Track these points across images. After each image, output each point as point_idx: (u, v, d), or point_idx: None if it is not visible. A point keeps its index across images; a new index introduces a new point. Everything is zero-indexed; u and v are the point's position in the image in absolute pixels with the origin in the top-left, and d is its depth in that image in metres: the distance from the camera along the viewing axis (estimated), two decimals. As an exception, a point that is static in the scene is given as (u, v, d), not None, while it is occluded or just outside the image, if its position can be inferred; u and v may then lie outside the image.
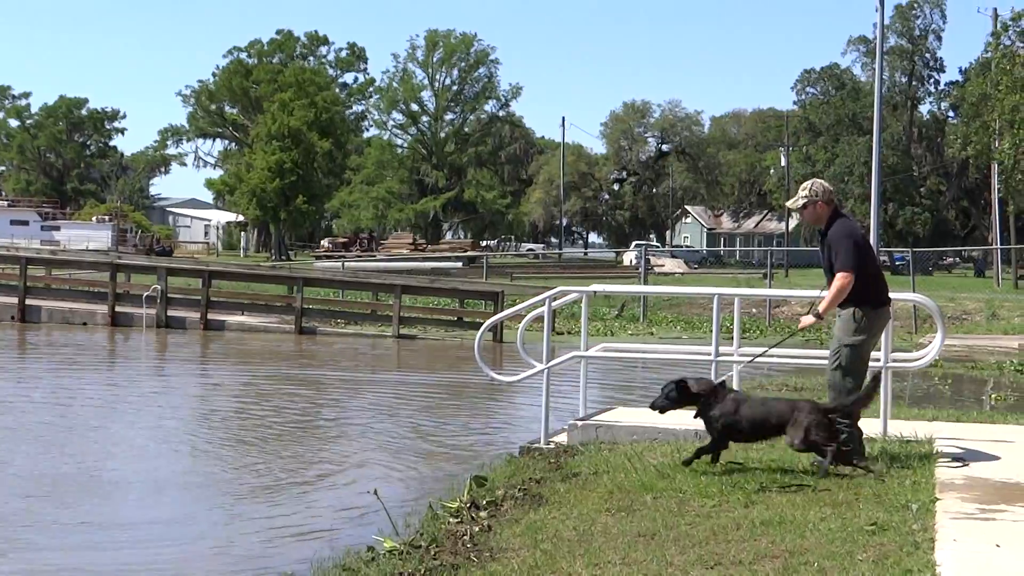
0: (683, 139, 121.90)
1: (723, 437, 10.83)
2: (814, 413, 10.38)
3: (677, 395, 11.02)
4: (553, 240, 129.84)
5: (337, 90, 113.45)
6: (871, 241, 26.68)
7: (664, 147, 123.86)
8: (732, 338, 14.15)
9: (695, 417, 11.01)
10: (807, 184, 11.17)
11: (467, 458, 14.27)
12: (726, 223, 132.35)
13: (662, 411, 11.27)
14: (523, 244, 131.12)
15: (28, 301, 36.74)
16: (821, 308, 10.81)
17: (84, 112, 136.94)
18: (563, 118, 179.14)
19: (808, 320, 11.11)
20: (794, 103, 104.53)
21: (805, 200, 10.94)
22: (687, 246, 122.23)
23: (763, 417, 10.65)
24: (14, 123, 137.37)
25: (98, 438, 15.91)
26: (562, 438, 13.66)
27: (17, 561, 9.93)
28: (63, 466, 13.88)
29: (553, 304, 14.15)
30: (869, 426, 11.30)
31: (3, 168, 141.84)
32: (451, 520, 10.15)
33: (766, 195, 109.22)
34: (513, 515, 10.05)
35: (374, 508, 10.52)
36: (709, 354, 13.38)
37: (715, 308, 13.47)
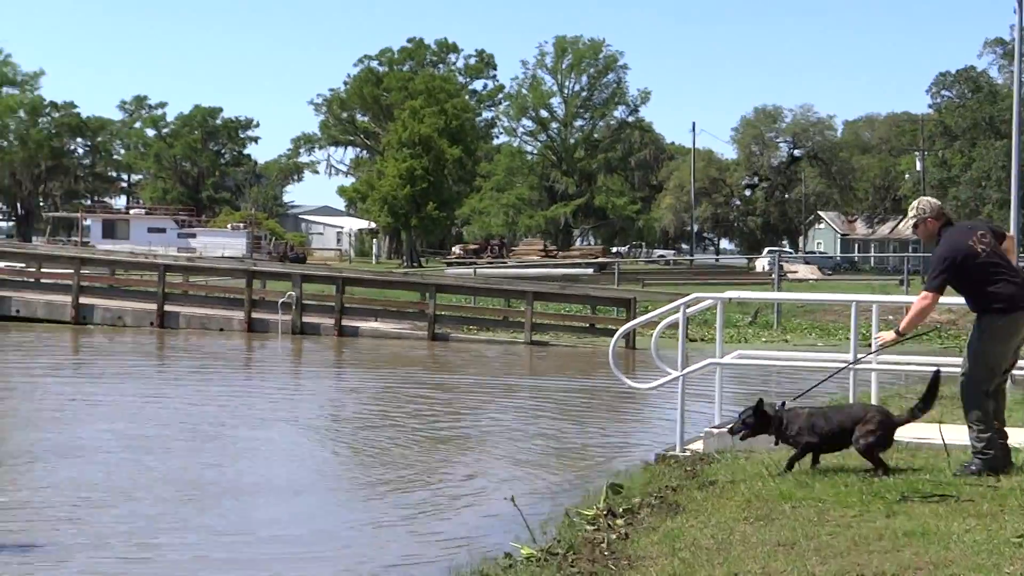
0: (815, 144, 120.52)
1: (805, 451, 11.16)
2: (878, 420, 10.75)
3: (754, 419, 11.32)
4: (684, 246, 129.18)
5: (467, 97, 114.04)
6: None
7: (796, 152, 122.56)
8: (870, 345, 13.97)
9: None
10: (914, 203, 11.20)
11: (601, 465, 14.28)
12: (860, 229, 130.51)
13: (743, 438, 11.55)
14: (654, 250, 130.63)
15: (167, 307, 37.47)
16: (902, 326, 10.92)
17: (219, 121, 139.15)
18: (693, 123, 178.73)
19: (888, 336, 11.19)
20: (929, 106, 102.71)
21: (915, 219, 10.97)
22: (820, 252, 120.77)
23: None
24: (151, 132, 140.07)
25: (236, 443, 16.18)
26: (697, 445, 13.60)
27: (165, 565, 10.15)
28: (204, 471, 14.15)
29: (687, 311, 14.10)
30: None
31: (140, 177, 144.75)
32: (588, 527, 10.16)
33: (900, 200, 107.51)
34: (650, 523, 10.03)
35: (510, 514, 10.56)
36: (846, 362, 13.24)
37: (853, 315, 13.34)
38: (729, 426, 12.13)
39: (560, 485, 13.29)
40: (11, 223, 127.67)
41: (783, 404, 11.63)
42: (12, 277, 40.43)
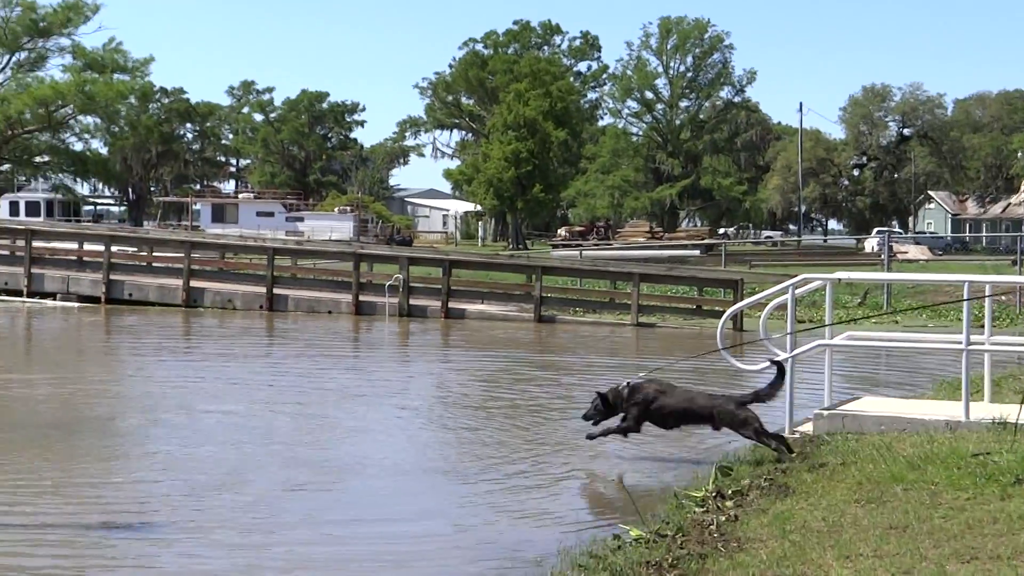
0: (925, 123, 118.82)
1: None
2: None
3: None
4: (791, 227, 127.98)
5: (571, 79, 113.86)
6: None
7: (905, 131, 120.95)
8: (983, 327, 13.79)
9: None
10: None
11: (709, 447, 14.22)
12: (971, 208, 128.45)
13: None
14: (761, 231, 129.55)
15: (276, 290, 37.92)
16: None
17: (325, 105, 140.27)
18: (800, 103, 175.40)
19: None
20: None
21: None
22: (931, 232, 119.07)
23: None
24: (259, 117, 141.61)
25: (344, 424, 16.34)
26: (807, 427, 13.52)
27: (278, 546, 10.29)
28: (313, 451, 14.31)
29: (796, 292, 14.01)
30: None
31: (248, 161, 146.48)
32: (697, 509, 10.16)
33: (1013, 179, 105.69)
34: (759, 505, 10.00)
35: (618, 496, 10.59)
36: (959, 343, 13.08)
37: (965, 295, 13.17)
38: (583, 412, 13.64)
39: (667, 467, 13.26)
40: (123, 208, 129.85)
41: (627, 384, 13.33)
42: (125, 261, 41.13)
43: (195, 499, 11.76)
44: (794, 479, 10.83)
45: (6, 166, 72.18)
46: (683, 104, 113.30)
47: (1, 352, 27.56)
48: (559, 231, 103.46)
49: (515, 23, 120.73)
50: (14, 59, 68.15)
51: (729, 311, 15.66)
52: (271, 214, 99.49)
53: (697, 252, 71.78)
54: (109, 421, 16.29)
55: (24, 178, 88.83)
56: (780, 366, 12.81)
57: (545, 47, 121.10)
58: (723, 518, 9.61)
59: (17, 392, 19.02)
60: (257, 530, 10.70)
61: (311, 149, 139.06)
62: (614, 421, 13.36)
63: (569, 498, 12.09)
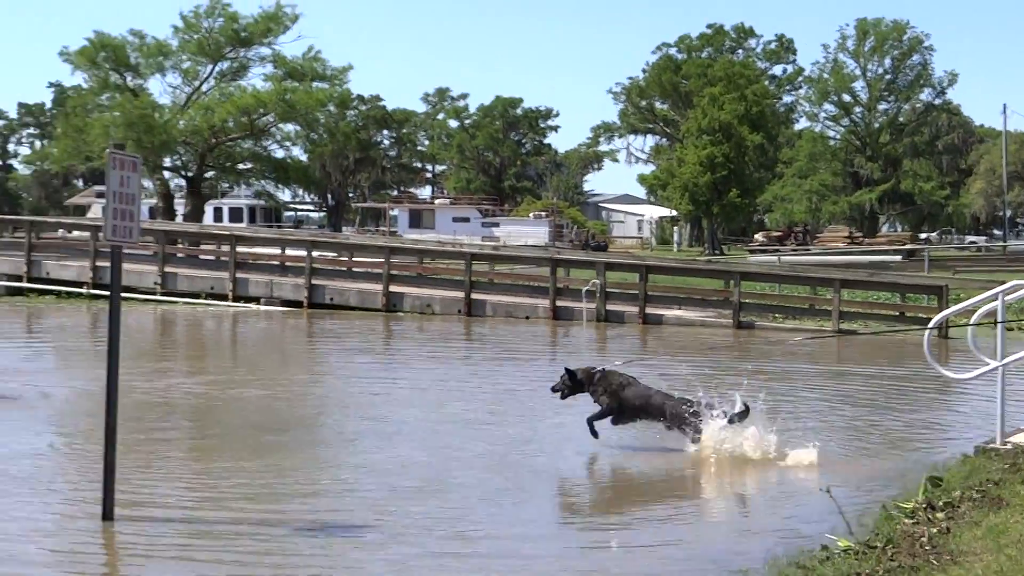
0: None
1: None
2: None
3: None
4: (996, 232, 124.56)
5: (766, 82, 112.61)
6: None
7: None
8: None
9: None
10: None
11: (917, 457, 13.94)
12: None
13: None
14: (964, 236, 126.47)
15: (473, 295, 38.26)
16: None
17: (519, 111, 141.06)
18: (1004, 105, 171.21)
19: None
20: None
21: None
22: None
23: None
24: (454, 124, 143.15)
25: (542, 429, 16.37)
26: (1020, 438, 13.16)
27: (477, 557, 10.37)
28: (519, 458, 14.41)
29: (1006, 298, 13.65)
30: None
31: (444, 167, 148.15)
32: (906, 521, 9.96)
33: None
34: (972, 517, 9.77)
35: (826, 506, 10.43)
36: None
37: None
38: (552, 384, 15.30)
39: (875, 477, 13.03)
40: (322, 214, 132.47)
41: (601, 369, 14.94)
42: (326, 266, 41.93)
43: (400, 503, 11.94)
44: (1007, 491, 10.55)
45: (210, 173, 74.03)
46: (882, 107, 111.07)
47: (209, 355, 28.37)
48: (756, 236, 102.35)
49: (708, 27, 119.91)
50: (217, 69, 69.89)
51: (936, 318, 15.28)
52: (467, 219, 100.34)
53: (898, 258, 70.40)
54: (313, 423, 16.64)
55: (227, 185, 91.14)
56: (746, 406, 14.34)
57: (739, 50, 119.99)
58: (934, 530, 9.42)
59: (224, 394, 19.53)
60: (460, 537, 10.81)
61: (505, 155, 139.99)
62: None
63: (776, 507, 11.96)
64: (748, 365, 26.13)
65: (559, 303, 37.38)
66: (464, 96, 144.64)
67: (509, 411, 17.95)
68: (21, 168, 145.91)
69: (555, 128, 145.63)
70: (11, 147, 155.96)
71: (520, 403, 18.86)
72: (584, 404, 15.25)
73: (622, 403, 14.71)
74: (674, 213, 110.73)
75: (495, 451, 14.66)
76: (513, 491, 12.55)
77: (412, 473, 13.32)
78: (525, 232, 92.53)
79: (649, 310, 36.38)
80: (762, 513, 11.69)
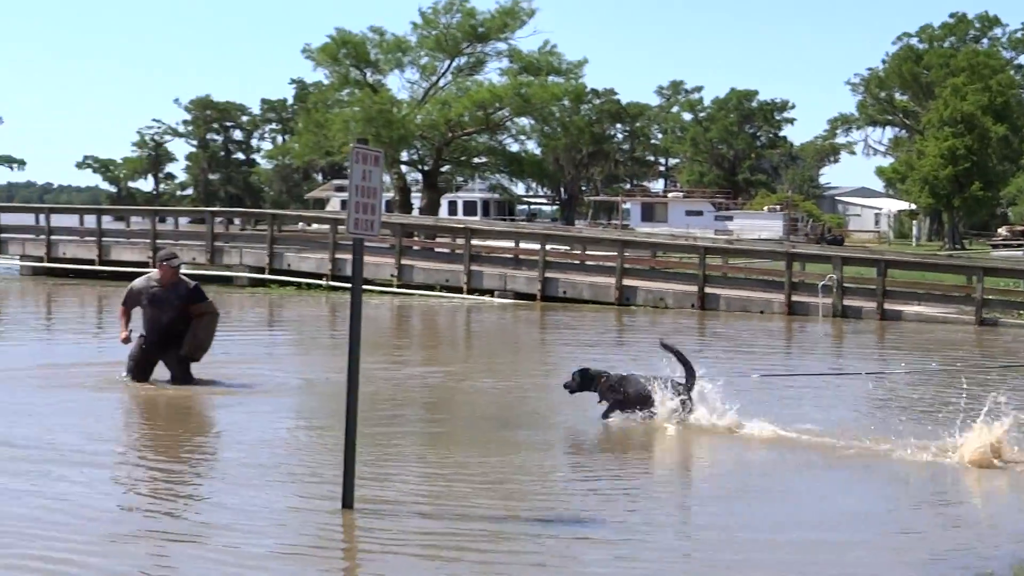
0: None
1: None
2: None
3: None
4: None
5: (1012, 72, 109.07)
6: None
7: None
8: None
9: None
10: None
11: None
12: None
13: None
14: None
15: (707, 289, 37.95)
16: None
17: (754, 104, 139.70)
18: None
19: None
20: None
21: None
22: None
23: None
24: (687, 117, 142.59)
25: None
26: None
27: (702, 550, 10.24)
28: (755, 453, 14.22)
29: None
30: None
31: (677, 160, 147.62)
32: None
33: None
34: None
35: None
36: None
37: None
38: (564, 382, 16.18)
39: None
40: (555, 207, 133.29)
41: (621, 376, 16.02)
42: (558, 259, 42.09)
43: (628, 498, 11.87)
44: None
45: (446, 167, 75.13)
46: None
47: (443, 346, 28.75)
48: (999, 230, 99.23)
49: (951, 16, 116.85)
50: (454, 64, 70.85)
51: None
52: (700, 213, 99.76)
53: None
54: (543, 416, 16.65)
55: (462, 179, 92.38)
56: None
57: (983, 40, 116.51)
58: None
59: (459, 386, 19.73)
60: (689, 536, 10.68)
61: (740, 148, 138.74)
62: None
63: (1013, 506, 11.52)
64: (995, 362, 25.29)
65: (794, 298, 36.79)
66: (699, 89, 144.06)
67: (749, 404, 17.67)
68: (263, 162, 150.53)
69: (791, 120, 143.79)
70: (254, 142, 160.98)
71: (752, 397, 18.56)
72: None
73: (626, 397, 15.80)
74: (913, 207, 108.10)
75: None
76: (750, 487, 12.35)
77: (643, 467, 13.22)
78: (759, 226, 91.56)
79: (887, 306, 35.53)
80: (1004, 510, 11.28)
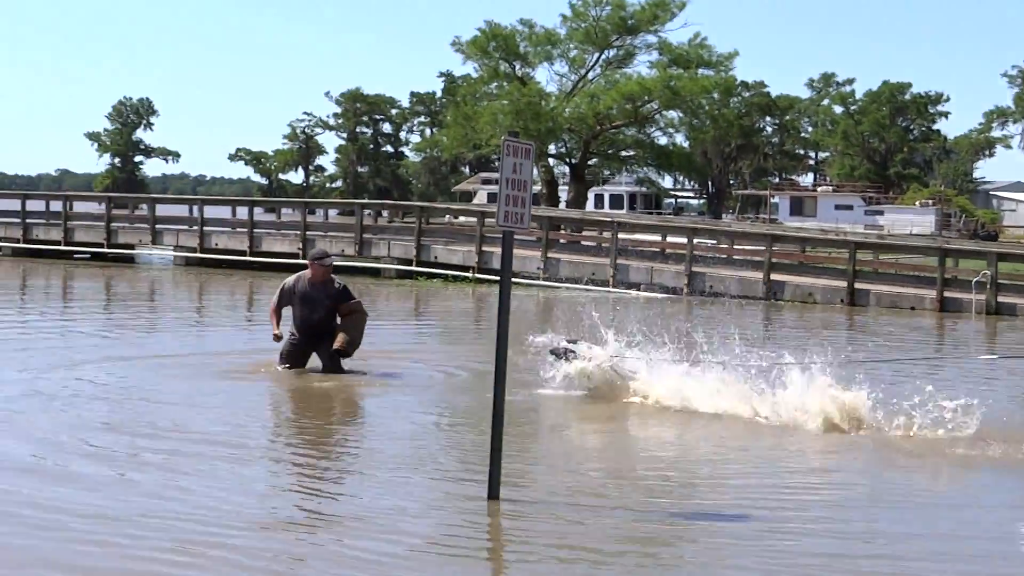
0: None
1: None
2: None
3: None
4: None
5: None
6: None
7: None
8: None
9: None
10: None
11: None
12: None
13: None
14: None
15: (856, 285, 37.46)
16: None
17: (907, 96, 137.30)
18: None
19: None
20: None
21: None
22: None
23: None
24: (838, 109, 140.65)
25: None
26: None
27: (846, 558, 10.13)
28: (915, 460, 14.03)
29: None
30: None
31: (827, 154, 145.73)
32: None
33: None
34: None
35: None
36: None
37: None
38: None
39: None
40: (701, 201, 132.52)
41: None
42: (705, 254, 41.87)
43: (784, 493, 11.81)
44: None
45: (594, 160, 75.00)
46: None
47: (587, 339, 28.64)
48: None
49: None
50: (603, 57, 70.66)
51: None
52: (850, 207, 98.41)
53: None
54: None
55: (608, 172, 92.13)
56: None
57: None
58: None
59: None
60: (845, 536, 10.58)
61: (892, 141, 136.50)
62: None
63: None
64: None
65: (947, 294, 36.16)
66: (850, 81, 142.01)
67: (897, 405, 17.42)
68: (411, 155, 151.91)
69: (945, 114, 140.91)
70: (403, 135, 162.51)
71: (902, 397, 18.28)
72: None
73: None
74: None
75: (889, 451, 14.27)
76: (913, 496, 12.19)
77: (793, 463, 13.13)
78: (910, 220, 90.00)
79: (1043, 303, 34.78)
80: None
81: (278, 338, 18.34)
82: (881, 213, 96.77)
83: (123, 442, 13.09)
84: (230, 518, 10.29)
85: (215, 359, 19.91)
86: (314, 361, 18.57)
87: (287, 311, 18.61)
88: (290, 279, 18.65)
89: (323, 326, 18.32)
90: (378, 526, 10.18)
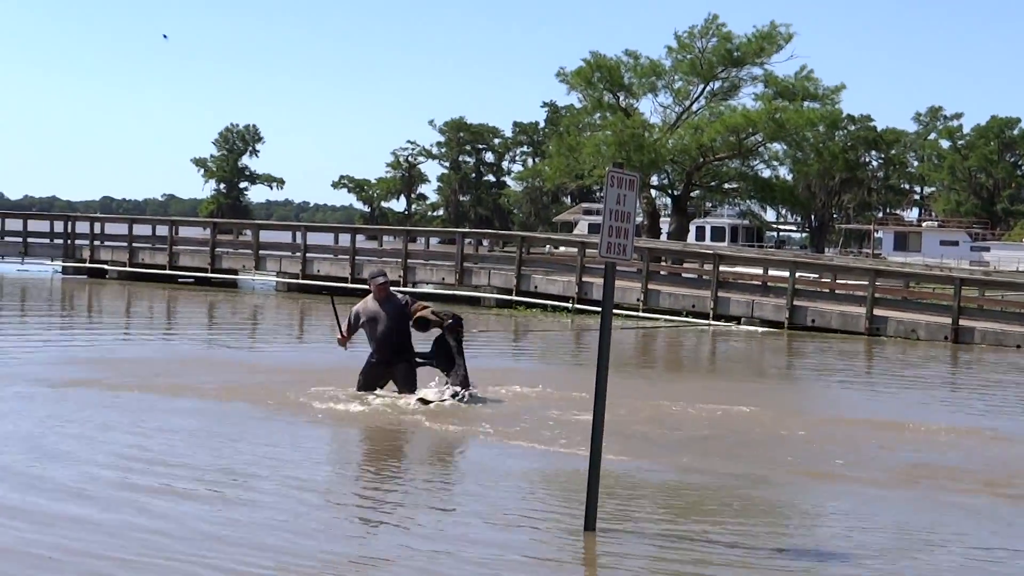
0: None
1: None
2: None
3: None
4: None
5: None
6: None
7: None
8: None
9: None
10: None
11: None
12: None
13: None
14: None
15: (961, 322, 36.94)
16: None
17: (1016, 132, 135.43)
18: None
19: None
20: None
21: None
22: None
23: None
24: (945, 144, 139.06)
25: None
26: None
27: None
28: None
29: None
30: None
31: (933, 189, 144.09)
32: None
33: None
34: None
35: None
36: None
37: None
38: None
39: None
40: (804, 234, 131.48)
41: None
42: (808, 287, 41.54)
43: (881, 533, 11.71)
44: None
45: (696, 192, 74.83)
46: None
47: (686, 371, 28.58)
48: None
49: None
50: (708, 88, 70.49)
51: None
52: (955, 243, 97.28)
53: None
54: (797, 448, 16.46)
55: (711, 204, 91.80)
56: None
57: None
58: None
59: (700, 411, 19.54)
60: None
61: (1000, 176, 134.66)
62: None
63: None
64: None
65: (1054, 332, 35.57)
66: (958, 116, 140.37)
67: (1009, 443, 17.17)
68: (513, 184, 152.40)
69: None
70: (505, 164, 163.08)
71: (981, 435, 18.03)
72: None
73: None
74: None
75: (993, 486, 14.08)
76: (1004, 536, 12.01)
77: (892, 512, 12.99)
78: (1017, 257, 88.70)
79: None
80: None
81: (343, 342, 19.29)
82: (987, 249, 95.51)
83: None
84: (299, 551, 10.43)
85: (314, 375, 19.98)
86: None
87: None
88: (357, 305, 19.23)
89: (398, 342, 18.85)
90: (471, 551, 10.26)
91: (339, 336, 19.20)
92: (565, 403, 18.89)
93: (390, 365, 18.90)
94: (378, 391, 18.69)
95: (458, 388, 18.48)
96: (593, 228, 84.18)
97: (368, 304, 18.96)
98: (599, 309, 11.09)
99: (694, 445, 16.14)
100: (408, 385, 18.78)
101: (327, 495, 12.40)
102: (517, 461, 14.51)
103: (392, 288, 19.62)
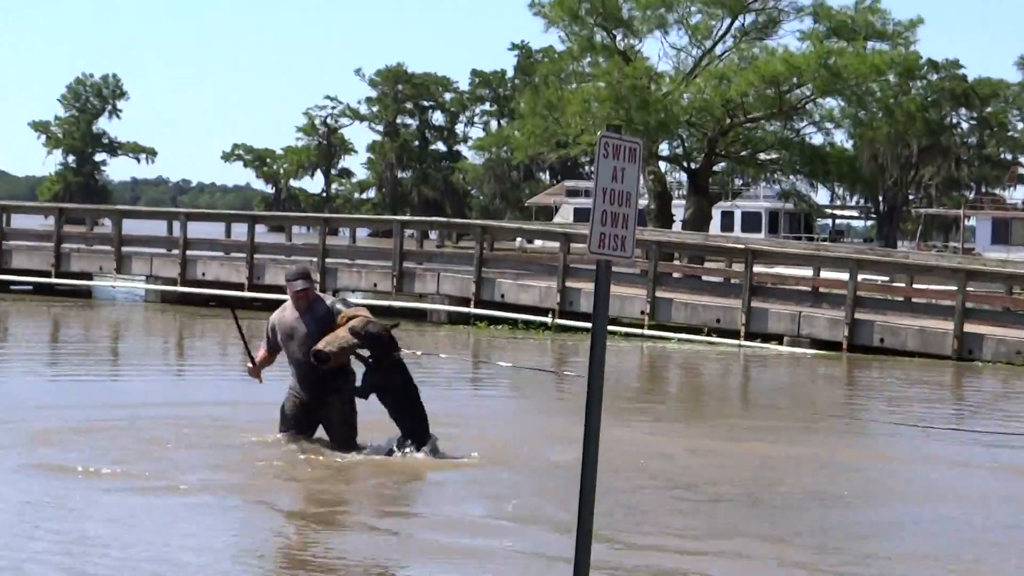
0: None
1: None
2: None
3: None
4: None
5: None
6: None
7: None
8: None
9: None
10: None
11: None
12: None
13: None
14: None
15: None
16: None
17: None
18: None
19: None
20: None
21: None
22: None
23: None
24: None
25: None
26: None
27: None
28: None
29: None
30: None
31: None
32: None
33: None
34: None
35: None
36: None
37: None
38: None
39: None
40: (870, 222, 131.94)
41: None
42: (875, 295, 41.53)
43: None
44: None
45: (721, 165, 74.88)
46: None
47: (707, 409, 28.55)
48: None
49: None
50: (737, 24, 70.26)
51: None
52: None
53: None
54: (857, 499, 16.63)
55: (743, 181, 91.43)
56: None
57: None
58: None
59: (722, 458, 19.63)
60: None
61: None
62: None
63: None
64: None
65: None
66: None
67: None
68: (471, 156, 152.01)
69: None
70: (460, 128, 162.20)
71: None
72: None
73: None
74: None
75: None
76: None
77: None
78: None
79: None
80: None
81: (254, 372, 18.49)
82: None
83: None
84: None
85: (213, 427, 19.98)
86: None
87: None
88: (273, 315, 18.45)
89: (322, 372, 17.71)
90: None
91: (249, 364, 18.40)
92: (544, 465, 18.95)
93: (318, 406, 17.99)
94: (303, 442, 18.05)
95: (411, 446, 17.77)
96: (580, 214, 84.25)
97: (285, 314, 18.02)
98: (589, 325, 11.03)
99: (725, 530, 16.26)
100: (343, 435, 18.01)
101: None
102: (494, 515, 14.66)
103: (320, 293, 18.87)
